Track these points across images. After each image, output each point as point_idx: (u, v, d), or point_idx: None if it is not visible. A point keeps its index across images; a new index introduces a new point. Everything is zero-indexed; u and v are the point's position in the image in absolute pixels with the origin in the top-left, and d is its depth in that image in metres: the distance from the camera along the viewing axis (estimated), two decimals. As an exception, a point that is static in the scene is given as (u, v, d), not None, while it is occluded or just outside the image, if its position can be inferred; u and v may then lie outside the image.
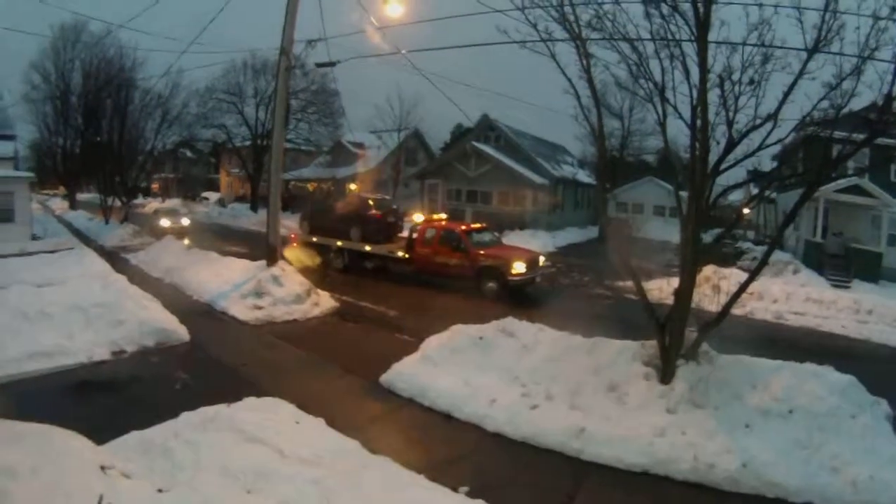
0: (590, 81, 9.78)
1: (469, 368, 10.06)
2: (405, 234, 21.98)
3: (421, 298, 18.37)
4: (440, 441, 8.34)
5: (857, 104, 8.69)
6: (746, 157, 9.04)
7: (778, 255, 27.19)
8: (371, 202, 23.45)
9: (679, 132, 9.72)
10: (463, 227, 20.04)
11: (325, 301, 16.19)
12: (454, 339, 10.87)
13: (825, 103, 8.61)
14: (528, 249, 20.98)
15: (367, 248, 21.26)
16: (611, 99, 49.87)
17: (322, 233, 22.83)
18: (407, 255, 20.21)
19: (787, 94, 8.64)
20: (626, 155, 58.42)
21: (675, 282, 9.64)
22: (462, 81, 38.16)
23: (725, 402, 8.57)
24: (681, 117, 9.25)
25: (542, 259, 20.04)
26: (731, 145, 8.86)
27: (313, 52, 16.80)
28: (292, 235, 23.81)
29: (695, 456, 7.70)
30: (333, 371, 11.03)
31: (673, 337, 9.17)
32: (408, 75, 48.47)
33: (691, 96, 8.99)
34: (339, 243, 22.06)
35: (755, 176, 9.38)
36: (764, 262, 9.69)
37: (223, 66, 49.35)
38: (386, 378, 10.31)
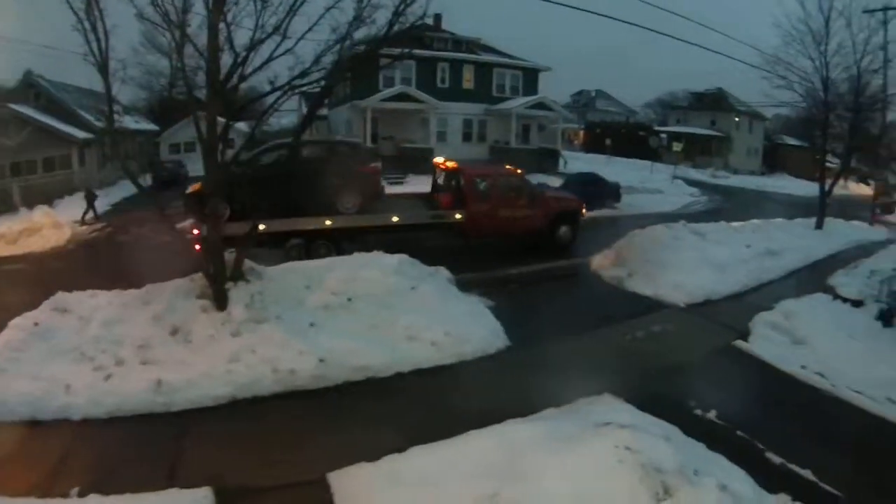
0: (89, 13, 8.88)
1: (35, 361, 8.76)
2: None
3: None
4: (35, 452, 7.16)
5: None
6: (255, 70, 9.23)
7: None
8: (358, 151, 16.47)
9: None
10: (520, 171, 17.26)
11: None
12: (11, 335, 9.32)
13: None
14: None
15: (395, 218, 14.78)
16: (161, 37, 46.91)
17: (268, 214, 12.46)
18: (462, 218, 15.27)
19: (293, 10, 9.01)
20: (176, 93, 55.47)
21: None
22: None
23: (286, 310, 8.94)
24: (191, 42, 9.03)
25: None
26: (236, 63, 8.96)
27: None
28: (194, 232, 12.55)
29: (273, 368, 7.92)
30: None
31: (215, 262, 9.17)
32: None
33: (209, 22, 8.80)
34: (328, 222, 14.16)
35: (273, 89, 9.62)
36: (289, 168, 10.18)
37: None
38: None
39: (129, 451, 6.96)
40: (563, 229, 16.69)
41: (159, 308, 9.14)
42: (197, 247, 11.84)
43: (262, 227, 12.34)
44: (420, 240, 15.34)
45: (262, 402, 7.69)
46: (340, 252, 13.26)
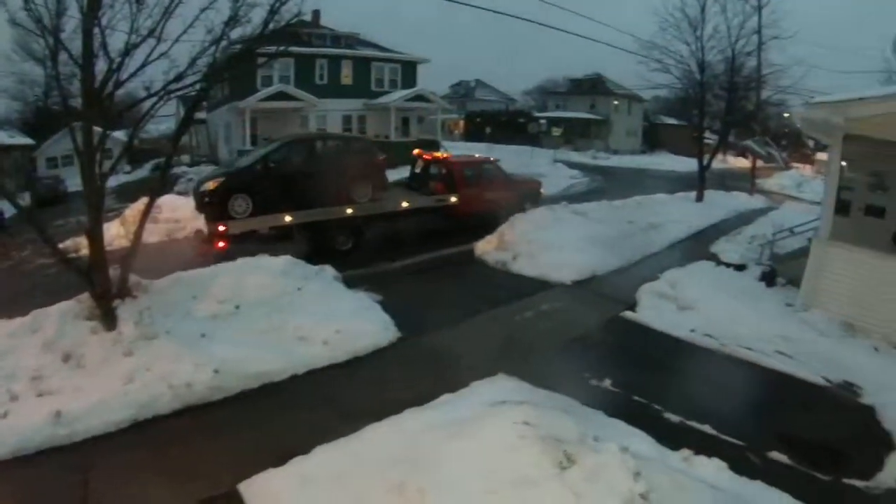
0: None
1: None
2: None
3: None
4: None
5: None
6: (130, 76, 8.95)
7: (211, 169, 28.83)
8: (367, 145, 18.38)
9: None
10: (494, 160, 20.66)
11: None
12: None
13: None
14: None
15: (405, 203, 16.84)
16: (34, 44, 44.17)
17: (287, 207, 14.39)
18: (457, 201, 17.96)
19: (168, 12, 8.79)
20: (51, 104, 52.39)
21: (112, 227, 9.25)
22: None
23: (175, 323, 8.73)
24: (65, 48, 8.66)
25: None
26: (111, 69, 8.66)
27: None
28: (220, 228, 13.49)
29: (169, 384, 7.67)
30: None
31: (100, 281, 8.83)
32: None
33: (83, 26, 8.46)
34: (349, 210, 15.23)
35: (149, 94, 9.36)
36: (164, 175, 10.06)
37: None
38: None
39: (39, 489, 6.54)
40: (528, 206, 18.76)
41: (48, 334, 8.60)
42: (221, 244, 13.08)
43: (288, 218, 14.30)
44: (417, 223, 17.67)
45: (163, 421, 7.42)
46: (359, 238, 15.67)
